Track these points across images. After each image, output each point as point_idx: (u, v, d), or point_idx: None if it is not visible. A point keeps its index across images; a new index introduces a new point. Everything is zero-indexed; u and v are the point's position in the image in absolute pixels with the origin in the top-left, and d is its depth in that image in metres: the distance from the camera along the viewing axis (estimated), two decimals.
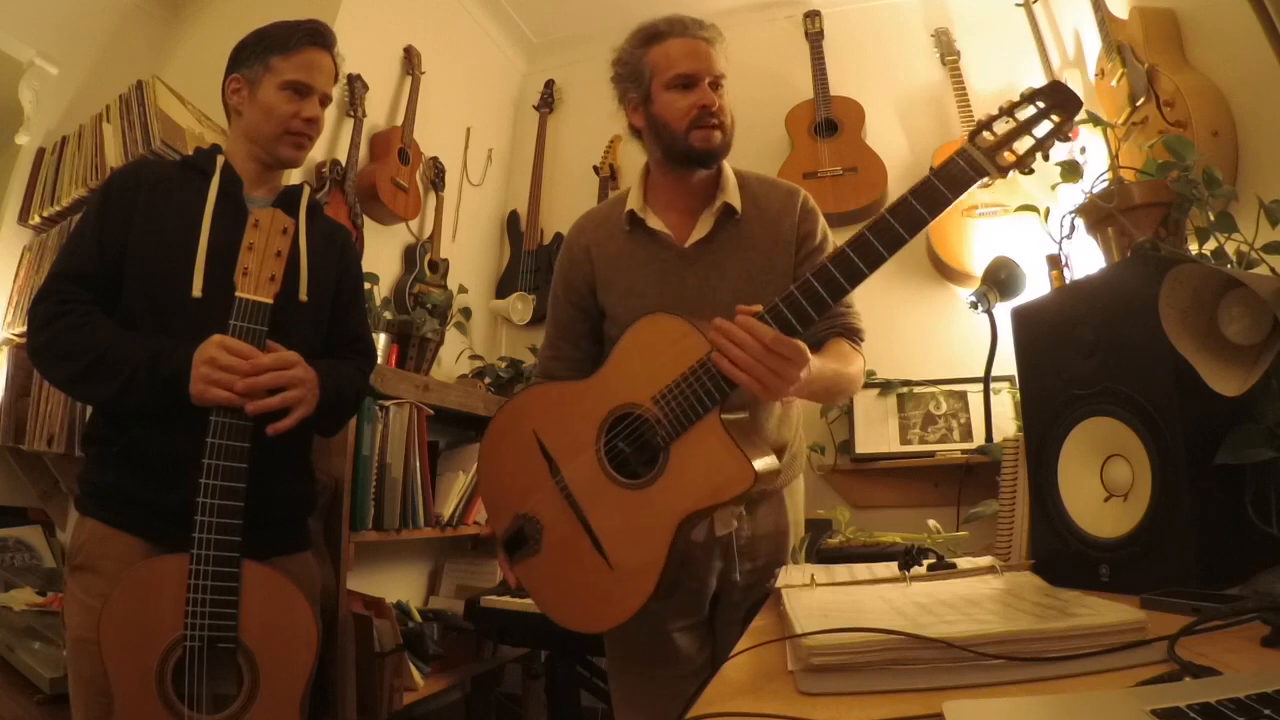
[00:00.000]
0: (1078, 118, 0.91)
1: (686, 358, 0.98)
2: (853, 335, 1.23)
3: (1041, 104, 0.91)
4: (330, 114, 2.26)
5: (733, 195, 1.24)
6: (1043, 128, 0.91)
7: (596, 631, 1.07)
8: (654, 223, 1.25)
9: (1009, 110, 0.93)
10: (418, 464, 1.93)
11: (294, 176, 2.02)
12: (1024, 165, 0.92)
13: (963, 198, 0.92)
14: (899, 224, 0.93)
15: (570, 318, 1.32)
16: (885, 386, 2.31)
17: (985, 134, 0.92)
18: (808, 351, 0.94)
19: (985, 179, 0.92)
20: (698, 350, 0.98)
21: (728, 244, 1.23)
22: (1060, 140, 0.91)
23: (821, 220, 1.28)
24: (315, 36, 1.27)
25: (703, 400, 0.97)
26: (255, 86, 1.25)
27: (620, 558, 1.01)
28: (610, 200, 1.37)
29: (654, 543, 0.97)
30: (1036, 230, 1.89)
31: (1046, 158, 0.92)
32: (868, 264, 0.94)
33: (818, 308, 0.95)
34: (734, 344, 0.92)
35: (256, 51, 1.26)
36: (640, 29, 1.24)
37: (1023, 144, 0.92)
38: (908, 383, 2.31)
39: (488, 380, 2.48)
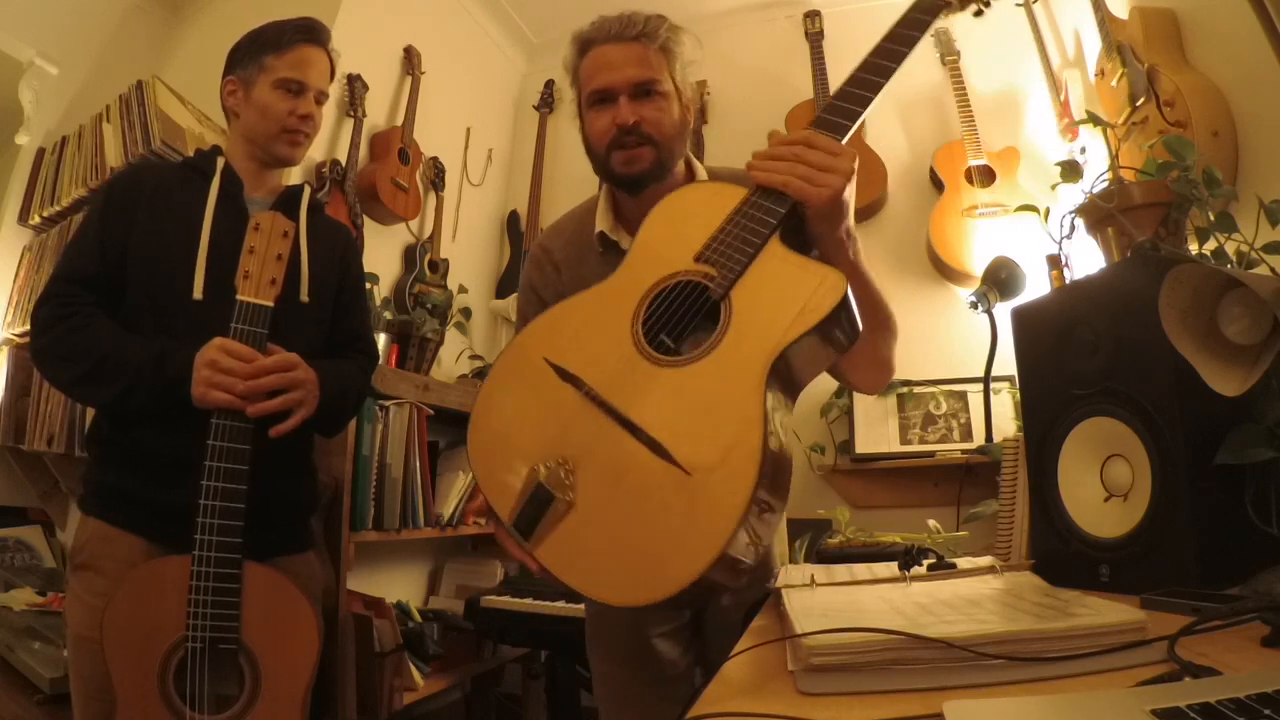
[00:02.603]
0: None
1: (725, 207, 0.83)
2: None
3: None
4: (330, 114, 2.27)
5: None
6: None
7: (683, 586, 0.66)
8: (627, 244, 1.11)
9: None
10: (418, 464, 1.93)
11: (294, 176, 2.02)
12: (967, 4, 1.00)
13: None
14: (894, 44, 0.93)
15: None
16: (885, 386, 2.31)
17: None
18: (851, 149, 0.83)
19: (948, 9, 0.98)
20: (736, 196, 0.84)
21: None
22: None
23: None
24: (308, 33, 1.27)
25: (757, 231, 0.80)
26: (250, 87, 1.25)
27: (697, 452, 0.70)
28: (578, 214, 1.23)
29: (739, 406, 0.70)
30: (1036, 230, 1.89)
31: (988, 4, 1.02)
32: (882, 72, 0.91)
33: (859, 104, 0.87)
34: (765, 155, 0.83)
35: (250, 52, 1.26)
36: (573, 38, 1.12)
37: None
38: (908, 383, 2.31)
39: None
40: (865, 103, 0.87)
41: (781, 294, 0.76)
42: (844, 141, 0.84)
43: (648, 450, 0.72)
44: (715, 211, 0.83)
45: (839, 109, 0.87)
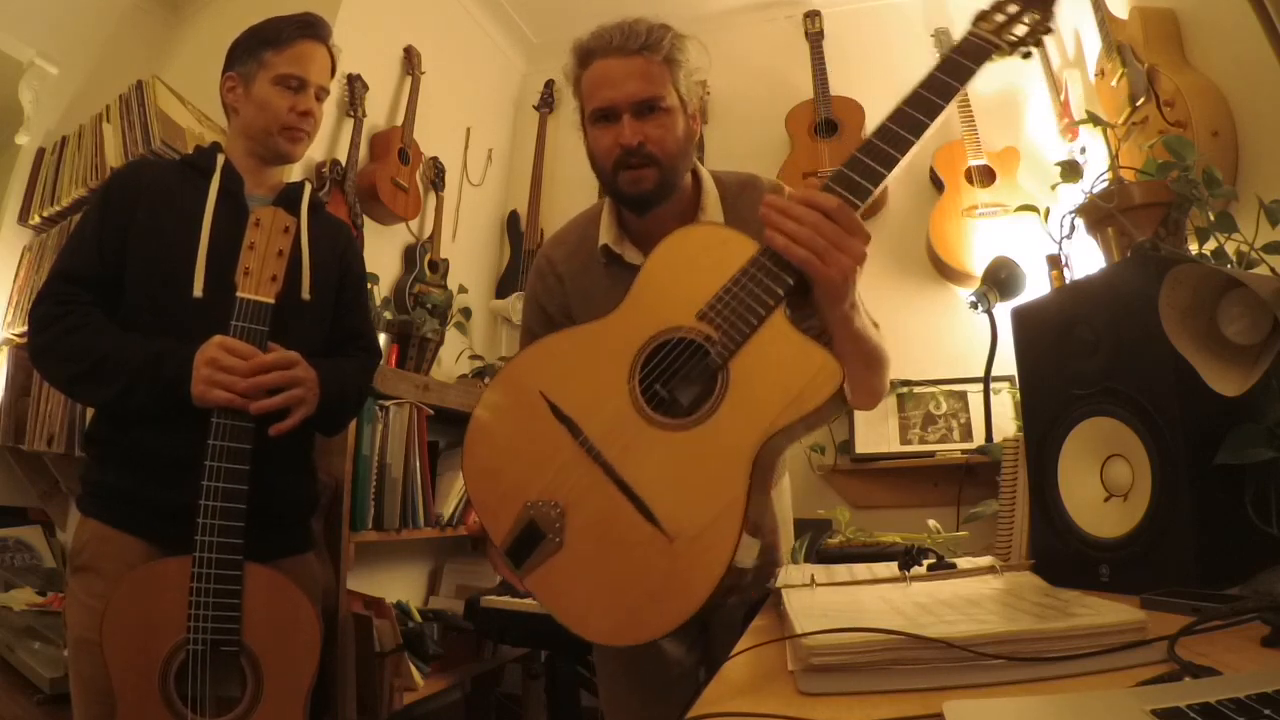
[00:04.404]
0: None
1: (734, 260, 0.82)
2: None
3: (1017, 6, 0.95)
4: (330, 114, 2.27)
5: (714, 217, 1.12)
6: (1029, 18, 0.94)
7: (657, 636, 0.76)
8: (632, 257, 1.12)
9: (994, 8, 0.95)
10: (418, 464, 1.93)
11: (293, 175, 2.02)
12: (1024, 46, 0.93)
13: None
14: (931, 94, 0.86)
15: None
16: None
17: (982, 22, 0.94)
18: (867, 229, 0.82)
19: (996, 53, 0.91)
20: (746, 250, 0.82)
21: None
22: (1044, 33, 0.94)
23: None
24: (307, 29, 1.27)
25: (762, 300, 0.80)
26: (250, 83, 1.25)
27: (679, 521, 0.75)
28: (580, 223, 1.22)
29: (725, 486, 0.74)
30: (1036, 230, 1.89)
31: (1040, 45, 0.95)
32: (914, 128, 0.85)
33: (885, 164, 0.83)
34: (789, 216, 0.80)
35: (250, 48, 1.26)
36: (574, 47, 1.08)
37: (1017, 31, 0.93)
38: (908, 383, 2.31)
39: (488, 380, 2.48)
40: (892, 163, 0.83)
41: (778, 375, 0.78)
42: (867, 202, 0.83)
43: (635, 510, 0.77)
44: (723, 263, 0.82)
45: (864, 168, 0.83)
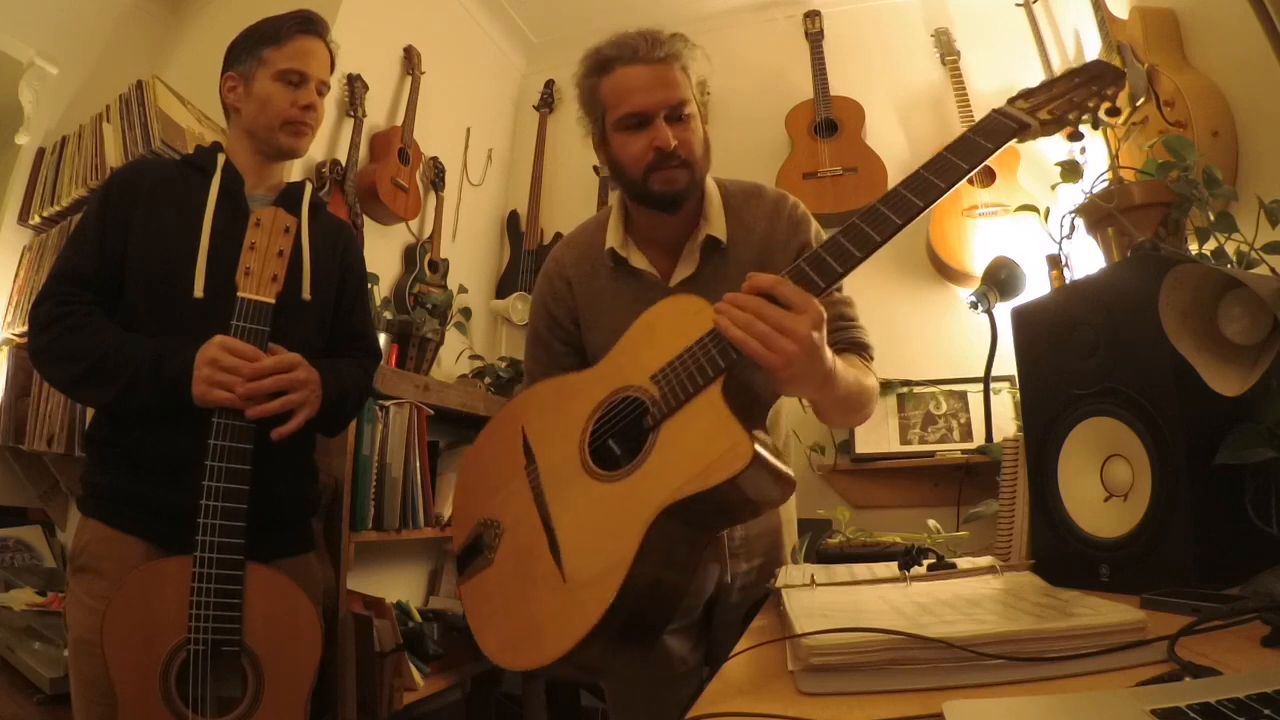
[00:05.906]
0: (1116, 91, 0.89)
1: (694, 332, 0.85)
2: (862, 350, 1.15)
3: (1080, 79, 0.89)
4: (330, 114, 2.27)
5: (716, 224, 1.14)
6: (1081, 95, 0.88)
7: (519, 669, 0.81)
8: (637, 261, 1.16)
9: (1047, 85, 0.89)
10: (418, 464, 1.93)
11: (294, 175, 2.02)
12: (1062, 125, 0.86)
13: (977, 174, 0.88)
14: (935, 177, 0.81)
15: (558, 351, 1.24)
16: (885, 386, 2.31)
17: (1020, 101, 0.88)
18: (820, 307, 0.79)
19: (1024, 131, 0.85)
20: (707, 323, 0.84)
21: (715, 277, 1.13)
22: (1104, 113, 0.87)
23: (814, 227, 1.17)
24: (305, 24, 1.28)
25: (704, 371, 0.82)
26: (250, 81, 1.25)
27: (576, 566, 0.80)
28: (590, 227, 1.25)
29: (618, 544, 0.76)
30: (1036, 230, 1.89)
31: (1095, 125, 0.87)
32: (882, 235, 0.80)
33: (843, 263, 0.81)
34: (733, 302, 0.81)
35: (248, 47, 1.26)
36: (589, 54, 1.10)
37: (1060, 107, 0.87)
38: (908, 383, 2.31)
39: (488, 380, 2.48)
40: (872, 247, 0.80)
41: (694, 446, 0.80)
42: (831, 287, 0.81)
43: (548, 546, 0.84)
44: (688, 331, 0.86)
45: (839, 250, 0.81)
